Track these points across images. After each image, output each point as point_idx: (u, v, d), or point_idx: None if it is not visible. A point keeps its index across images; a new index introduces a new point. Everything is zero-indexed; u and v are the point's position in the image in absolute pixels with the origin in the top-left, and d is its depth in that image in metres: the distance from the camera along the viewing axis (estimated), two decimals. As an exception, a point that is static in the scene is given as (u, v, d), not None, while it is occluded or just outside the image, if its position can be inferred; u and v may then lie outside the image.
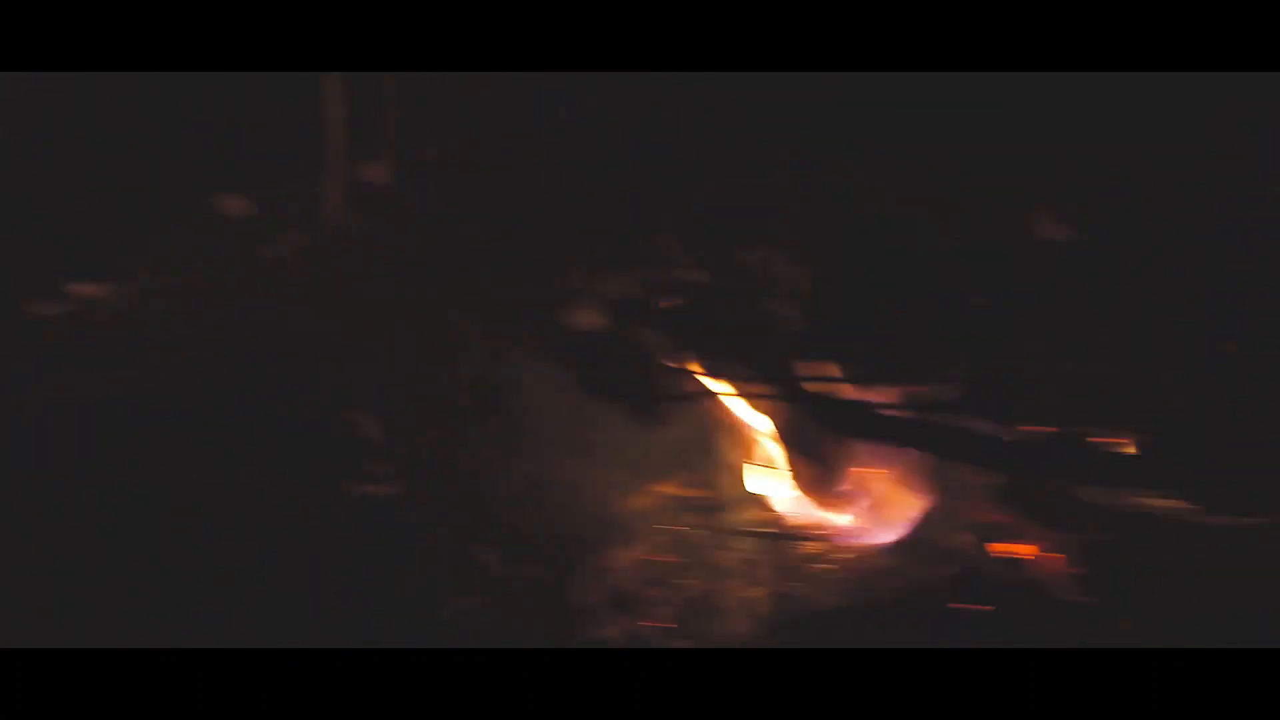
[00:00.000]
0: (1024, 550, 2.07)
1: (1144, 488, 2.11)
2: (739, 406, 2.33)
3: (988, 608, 1.93)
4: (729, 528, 2.20)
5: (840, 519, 2.25)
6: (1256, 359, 2.23)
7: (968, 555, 2.07)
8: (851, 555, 2.13)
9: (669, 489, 2.29)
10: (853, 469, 2.28)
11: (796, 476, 2.28)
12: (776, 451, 2.32)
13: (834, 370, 2.26)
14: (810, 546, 2.15)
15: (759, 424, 2.32)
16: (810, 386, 2.23)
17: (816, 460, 2.27)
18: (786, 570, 2.07)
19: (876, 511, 2.23)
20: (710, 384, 2.35)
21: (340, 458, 2.31)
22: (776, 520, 2.27)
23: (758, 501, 2.30)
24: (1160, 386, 2.21)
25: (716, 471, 2.34)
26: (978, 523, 2.13)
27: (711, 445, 2.36)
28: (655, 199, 2.54)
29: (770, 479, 2.31)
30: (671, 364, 2.34)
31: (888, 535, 2.17)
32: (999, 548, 2.08)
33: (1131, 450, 2.16)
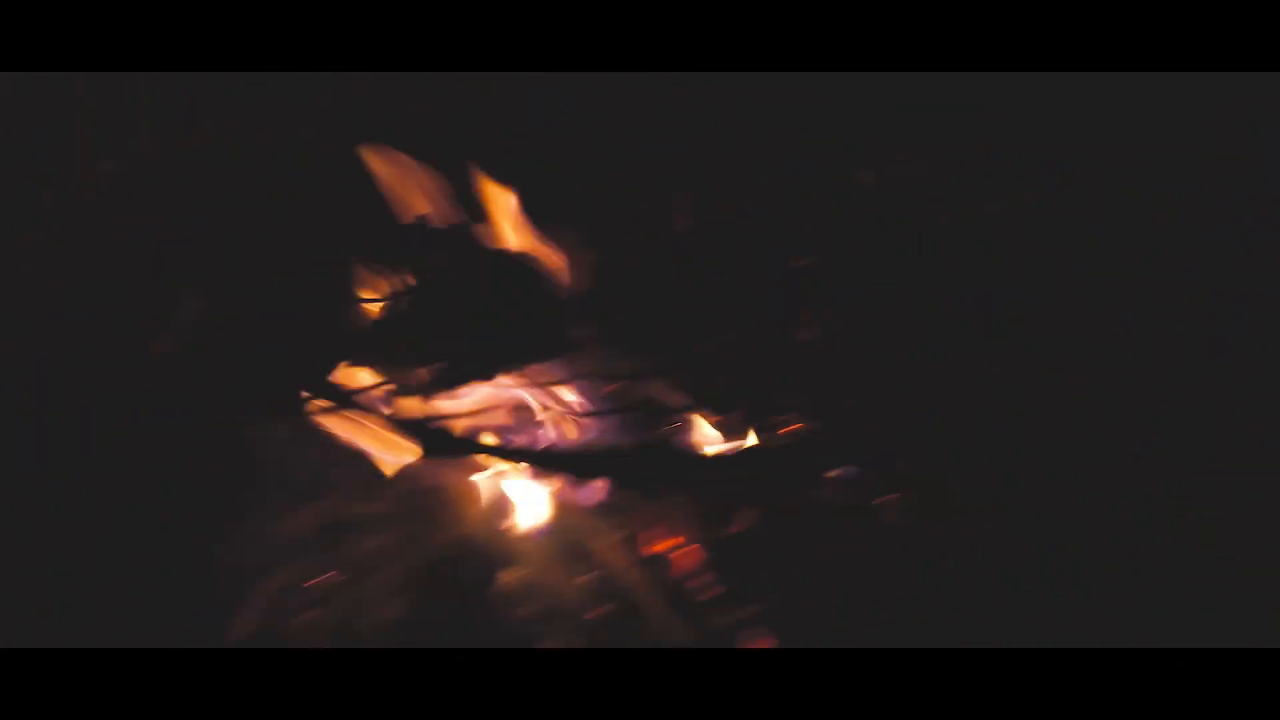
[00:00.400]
0: (664, 546, 2.13)
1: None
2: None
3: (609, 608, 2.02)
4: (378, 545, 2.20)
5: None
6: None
7: (605, 559, 2.11)
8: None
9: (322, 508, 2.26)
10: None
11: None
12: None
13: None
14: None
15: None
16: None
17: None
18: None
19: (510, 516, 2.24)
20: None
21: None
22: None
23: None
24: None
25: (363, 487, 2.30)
26: (618, 525, 2.16)
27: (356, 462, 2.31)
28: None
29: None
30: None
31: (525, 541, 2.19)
32: (641, 548, 2.13)
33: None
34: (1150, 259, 2.35)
